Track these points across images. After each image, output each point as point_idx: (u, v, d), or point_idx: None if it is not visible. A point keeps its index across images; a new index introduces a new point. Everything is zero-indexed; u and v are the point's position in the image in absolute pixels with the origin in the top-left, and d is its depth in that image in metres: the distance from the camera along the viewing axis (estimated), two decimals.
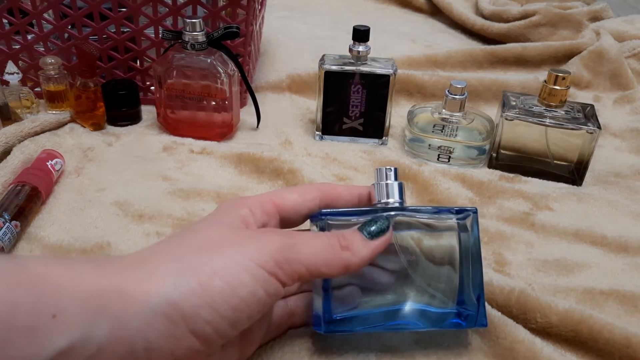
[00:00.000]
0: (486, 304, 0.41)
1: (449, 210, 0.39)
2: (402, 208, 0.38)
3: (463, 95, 0.62)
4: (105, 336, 0.27)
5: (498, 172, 0.63)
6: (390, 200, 0.38)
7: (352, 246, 0.34)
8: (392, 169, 0.39)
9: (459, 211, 0.39)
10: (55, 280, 0.27)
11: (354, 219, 0.37)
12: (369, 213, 0.37)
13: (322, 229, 0.37)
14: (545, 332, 0.42)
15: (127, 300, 0.28)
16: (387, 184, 0.39)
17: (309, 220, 0.38)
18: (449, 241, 0.39)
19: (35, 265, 0.28)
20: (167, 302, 0.28)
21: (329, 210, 0.37)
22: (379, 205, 0.38)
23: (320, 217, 0.37)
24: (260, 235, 0.33)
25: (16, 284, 0.26)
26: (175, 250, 0.32)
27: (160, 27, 0.68)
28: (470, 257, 0.38)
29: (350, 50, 0.63)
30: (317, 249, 0.33)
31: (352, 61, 0.63)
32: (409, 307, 0.38)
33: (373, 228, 0.35)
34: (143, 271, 0.30)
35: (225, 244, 0.32)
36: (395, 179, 0.39)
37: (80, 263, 0.30)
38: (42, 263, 0.28)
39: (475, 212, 0.39)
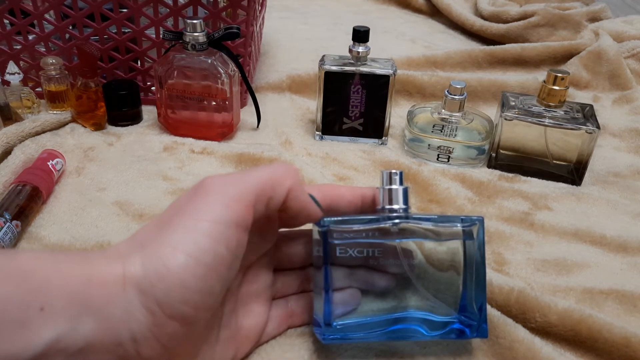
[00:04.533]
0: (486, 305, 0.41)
1: (454, 219, 0.38)
2: (406, 216, 0.37)
3: (462, 95, 0.62)
4: (91, 329, 0.27)
5: (497, 172, 0.63)
6: (395, 206, 0.38)
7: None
8: (398, 172, 0.38)
9: (465, 220, 0.38)
10: (44, 274, 0.27)
11: (356, 227, 0.37)
12: (372, 222, 0.37)
13: (324, 235, 0.36)
14: (545, 331, 0.42)
15: (107, 294, 0.28)
16: (392, 189, 0.38)
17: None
18: (453, 248, 0.38)
19: (24, 259, 0.28)
20: (140, 292, 0.28)
21: (332, 218, 0.37)
22: (383, 211, 0.38)
23: (323, 224, 0.37)
24: (209, 188, 0.31)
25: (5, 278, 0.26)
26: (143, 231, 0.31)
27: (161, 27, 0.68)
28: (474, 265, 0.38)
29: (350, 50, 0.63)
30: (263, 171, 0.33)
31: (352, 62, 0.63)
32: (409, 314, 0.38)
33: None
34: (119, 262, 0.29)
35: (179, 211, 0.31)
36: (401, 183, 0.38)
37: (70, 255, 0.30)
38: (32, 257, 0.28)
39: (481, 221, 0.38)
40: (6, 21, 0.66)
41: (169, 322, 0.29)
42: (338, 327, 0.37)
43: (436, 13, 1.15)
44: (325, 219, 0.37)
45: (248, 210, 0.31)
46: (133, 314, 0.28)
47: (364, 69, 0.63)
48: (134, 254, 0.30)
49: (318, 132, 0.68)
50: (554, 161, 0.62)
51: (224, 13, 0.68)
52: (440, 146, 0.63)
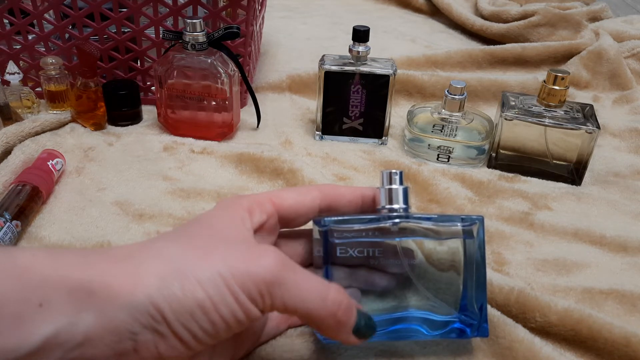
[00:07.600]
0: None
1: (455, 218, 0.38)
2: (406, 215, 0.37)
3: (462, 95, 0.62)
4: (91, 325, 0.27)
5: (497, 172, 0.63)
6: (395, 205, 0.38)
7: (344, 321, 0.32)
8: (398, 172, 0.38)
9: (465, 219, 0.38)
10: (42, 271, 0.27)
11: (356, 226, 0.37)
12: (373, 221, 0.37)
13: (324, 234, 0.37)
14: (545, 331, 0.42)
15: (112, 294, 0.28)
16: (392, 189, 0.38)
17: (312, 221, 0.38)
18: (454, 247, 0.38)
19: (23, 256, 0.28)
20: (149, 302, 0.28)
21: (333, 218, 0.37)
22: (383, 211, 0.38)
23: (323, 224, 0.37)
24: (256, 254, 0.31)
25: (3, 274, 0.27)
26: (166, 246, 0.31)
27: (160, 27, 0.68)
28: (474, 265, 0.38)
29: (350, 50, 0.63)
30: (308, 298, 0.31)
31: (352, 61, 0.63)
32: (410, 313, 0.38)
33: (364, 326, 0.33)
34: (130, 266, 0.29)
35: (216, 250, 0.31)
36: (401, 183, 0.38)
37: (68, 254, 0.30)
38: (30, 254, 0.28)
39: (481, 220, 0.38)
40: (6, 21, 0.66)
41: (171, 336, 0.29)
42: None
43: (436, 13, 1.15)
44: (325, 219, 0.37)
45: (266, 309, 0.31)
46: (137, 317, 0.28)
47: (364, 69, 0.63)
48: (151, 262, 0.30)
49: (318, 132, 0.68)
50: (554, 161, 0.62)
51: (224, 13, 0.68)
52: (440, 146, 0.63)
